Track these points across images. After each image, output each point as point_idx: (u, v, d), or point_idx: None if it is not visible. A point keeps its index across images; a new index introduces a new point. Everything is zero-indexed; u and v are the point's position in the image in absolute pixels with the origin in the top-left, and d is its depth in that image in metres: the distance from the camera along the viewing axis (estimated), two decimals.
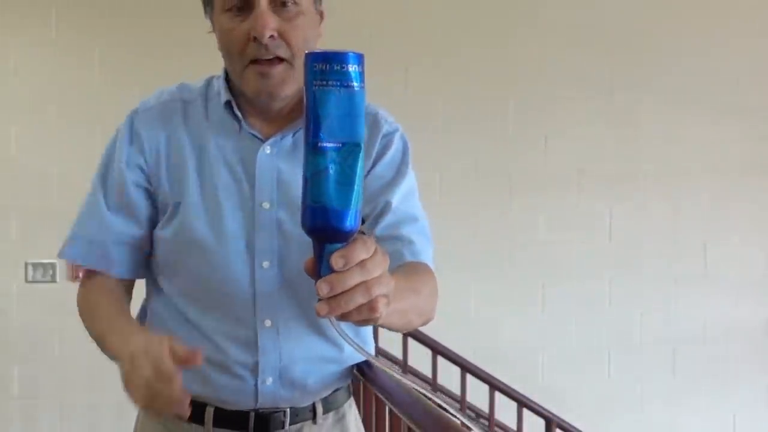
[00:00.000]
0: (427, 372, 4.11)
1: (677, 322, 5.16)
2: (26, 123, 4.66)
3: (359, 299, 0.91)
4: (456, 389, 4.08)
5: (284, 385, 1.55)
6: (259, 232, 1.49)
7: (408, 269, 1.39)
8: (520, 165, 4.98)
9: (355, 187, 0.90)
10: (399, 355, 4.11)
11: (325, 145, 0.89)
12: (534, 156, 4.99)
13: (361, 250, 0.91)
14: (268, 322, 1.51)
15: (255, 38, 1.39)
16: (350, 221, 0.90)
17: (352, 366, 1.65)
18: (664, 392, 5.14)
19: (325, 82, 0.88)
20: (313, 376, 1.57)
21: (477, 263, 4.90)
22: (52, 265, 4.61)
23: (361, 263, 0.91)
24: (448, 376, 4.11)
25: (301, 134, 1.41)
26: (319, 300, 0.91)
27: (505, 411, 4.13)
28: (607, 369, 5.11)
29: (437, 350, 3.98)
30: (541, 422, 4.17)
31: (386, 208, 1.50)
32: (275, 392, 1.54)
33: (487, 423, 4.13)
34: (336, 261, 0.90)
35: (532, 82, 4.97)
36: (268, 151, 1.50)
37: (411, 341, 4.02)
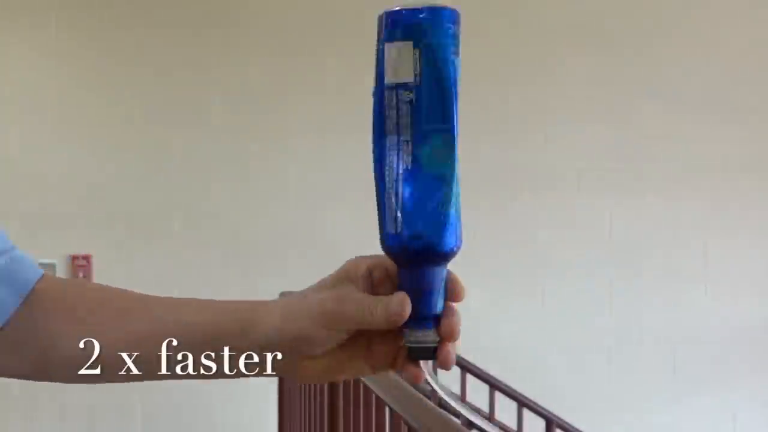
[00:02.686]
0: None
1: (677, 321, 5.15)
2: (26, 124, 4.65)
3: None
4: (456, 389, 4.08)
5: None
6: None
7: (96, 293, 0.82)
8: (520, 164, 4.98)
9: None
10: None
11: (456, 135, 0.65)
12: (534, 155, 4.98)
13: None
14: None
15: None
16: None
17: None
18: (665, 392, 5.13)
19: (457, 51, 0.64)
20: None
21: (477, 263, 4.89)
22: (52, 265, 4.60)
23: None
24: (449, 376, 4.10)
25: None
26: (443, 346, 0.70)
27: (505, 411, 4.13)
28: (608, 369, 5.10)
29: None
30: (541, 422, 4.17)
31: None
32: None
33: None
34: (462, 291, 0.68)
35: (532, 81, 4.97)
36: None
37: None
